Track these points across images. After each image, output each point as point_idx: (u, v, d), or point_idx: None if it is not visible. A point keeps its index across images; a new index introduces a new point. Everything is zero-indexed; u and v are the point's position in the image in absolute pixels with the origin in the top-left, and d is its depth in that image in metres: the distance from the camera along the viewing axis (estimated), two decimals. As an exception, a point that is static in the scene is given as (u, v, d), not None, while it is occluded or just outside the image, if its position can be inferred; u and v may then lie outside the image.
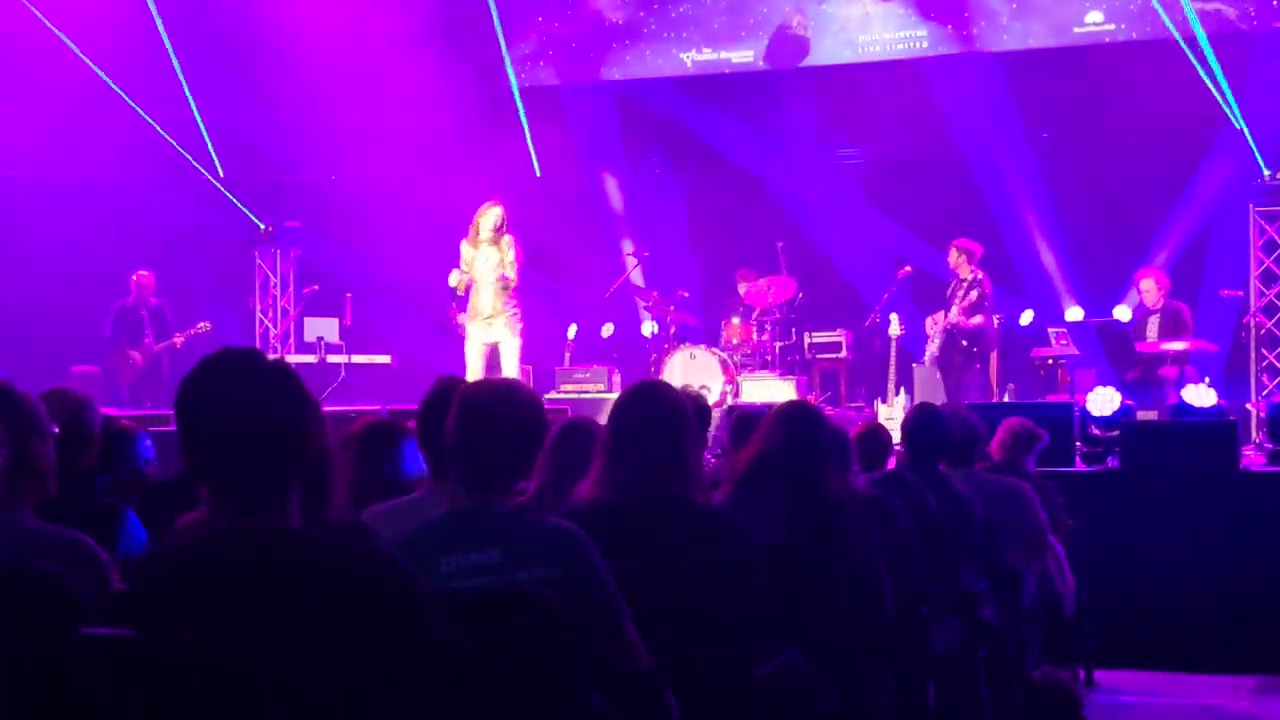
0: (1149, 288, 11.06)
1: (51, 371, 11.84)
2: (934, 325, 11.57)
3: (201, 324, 12.79)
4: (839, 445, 4.55)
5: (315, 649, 2.12)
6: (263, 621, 2.17)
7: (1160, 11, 12.36)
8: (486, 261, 10.33)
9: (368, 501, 3.83)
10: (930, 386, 11.32)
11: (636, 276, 13.12)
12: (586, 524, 3.12)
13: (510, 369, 10.33)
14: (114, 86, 13.82)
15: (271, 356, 2.38)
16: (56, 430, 3.27)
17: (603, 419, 3.89)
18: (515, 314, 10.41)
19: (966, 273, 11.45)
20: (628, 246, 13.75)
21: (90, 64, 13.64)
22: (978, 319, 11.29)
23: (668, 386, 3.76)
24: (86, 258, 13.63)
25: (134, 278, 12.99)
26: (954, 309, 11.36)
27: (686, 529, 3.46)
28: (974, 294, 11.31)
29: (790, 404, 4.47)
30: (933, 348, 11.52)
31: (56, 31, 13.45)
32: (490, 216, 10.38)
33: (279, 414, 2.26)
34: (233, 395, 2.24)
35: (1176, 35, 12.21)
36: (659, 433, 3.53)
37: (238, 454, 2.24)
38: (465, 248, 10.46)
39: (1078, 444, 8.48)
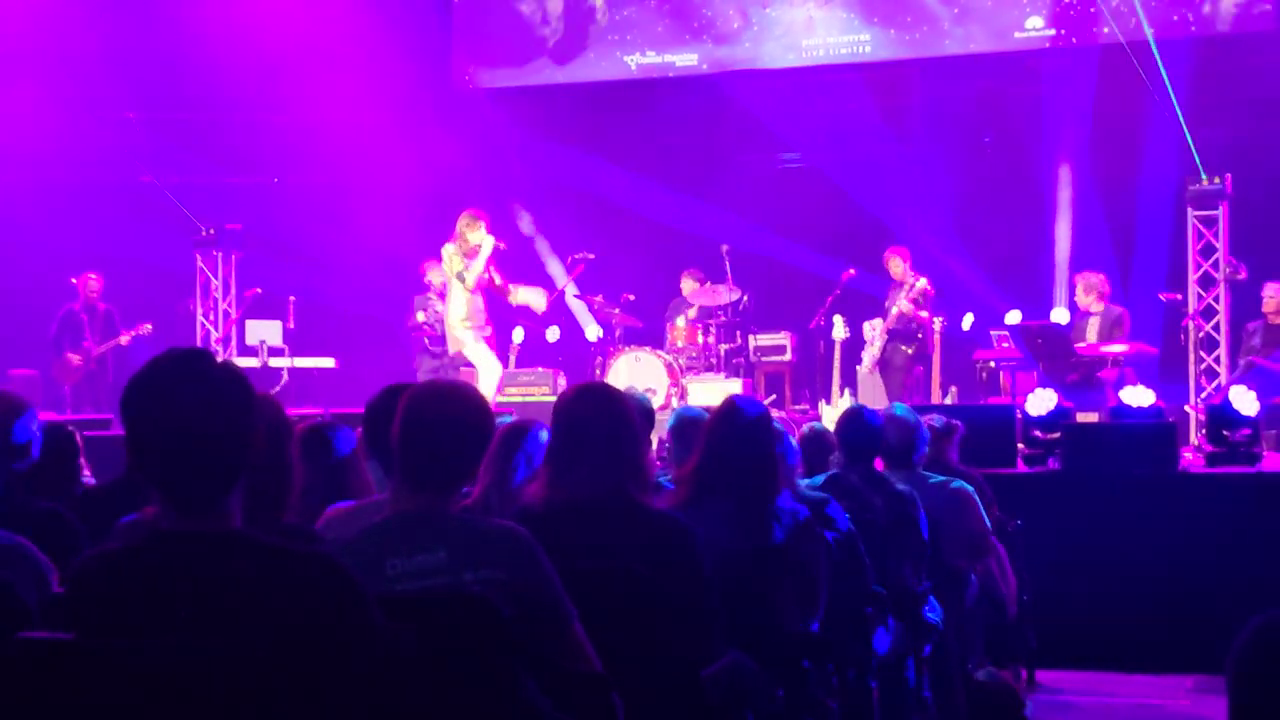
0: (1088, 291, 11.18)
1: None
2: (872, 330, 11.66)
3: (144, 326, 12.67)
4: (792, 448, 4.57)
5: (255, 651, 2.11)
6: (203, 624, 2.16)
7: (1109, 18, 12.51)
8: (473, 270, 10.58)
9: (310, 503, 3.81)
10: (873, 389, 11.41)
11: (581, 280, 13.10)
12: (535, 525, 3.11)
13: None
14: (57, 89, 13.67)
15: (221, 359, 2.36)
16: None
17: (548, 422, 3.89)
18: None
19: (909, 277, 11.59)
20: (572, 250, 13.73)
21: (29, 63, 13.49)
22: (925, 313, 11.41)
23: (608, 387, 3.77)
24: (24, 261, 13.47)
25: (80, 280, 12.85)
26: (904, 301, 11.44)
27: (635, 530, 3.46)
28: (923, 284, 11.42)
29: (735, 405, 4.33)
30: (873, 350, 11.61)
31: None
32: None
33: (222, 416, 2.25)
34: (177, 396, 2.23)
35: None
36: (602, 434, 3.53)
37: (180, 454, 2.23)
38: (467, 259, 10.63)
39: (1019, 446, 8.54)
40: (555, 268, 14.30)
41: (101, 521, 3.68)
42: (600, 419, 3.56)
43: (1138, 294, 12.15)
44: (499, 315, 11.58)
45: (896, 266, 11.82)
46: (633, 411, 3.65)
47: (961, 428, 6.66)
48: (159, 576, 2.21)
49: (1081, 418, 9.27)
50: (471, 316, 10.57)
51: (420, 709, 2.38)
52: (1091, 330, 11.03)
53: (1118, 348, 10.73)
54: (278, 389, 12.49)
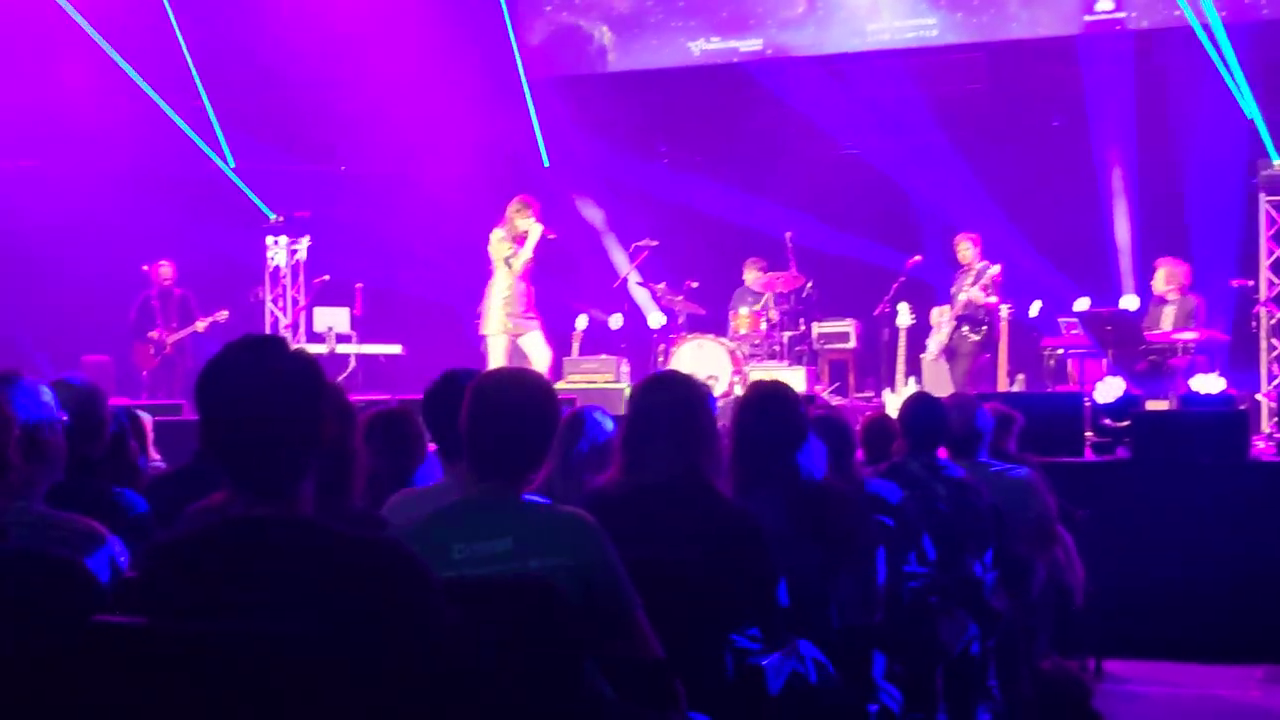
0: (1170, 279, 11.02)
1: (64, 361, 11.89)
2: (939, 316, 11.57)
3: (220, 312, 12.81)
4: (830, 430, 4.53)
5: (323, 636, 2.13)
6: (272, 609, 2.18)
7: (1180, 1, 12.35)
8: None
9: (377, 491, 3.85)
10: (938, 377, 11.33)
11: (645, 267, 13.10)
12: (606, 508, 3.13)
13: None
14: (130, 74, 13.84)
15: (294, 346, 2.39)
16: (66, 418, 3.29)
17: (611, 409, 3.92)
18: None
19: (979, 263, 11.48)
20: (635, 237, 13.73)
21: (103, 56, 13.67)
22: (994, 298, 11.30)
23: (683, 376, 3.77)
24: (98, 248, 13.65)
25: (152, 268, 13.02)
26: (974, 288, 11.31)
27: (703, 518, 3.47)
28: (994, 271, 11.29)
29: (757, 388, 4.28)
30: (940, 337, 11.52)
31: (75, 17, 13.47)
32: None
33: (295, 404, 2.27)
34: (250, 382, 2.25)
35: (1194, 23, 12.20)
36: (675, 421, 3.55)
37: (252, 440, 2.26)
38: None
39: (1088, 434, 8.46)
40: (618, 255, 14.30)
41: (171, 506, 3.73)
42: (673, 406, 3.58)
43: (1205, 280, 11.97)
44: (563, 303, 11.61)
45: (966, 251, 11.68)
46: (707, 400, 3.66)
47: (1021, 419, 6.59)
48: (230, 562, 2.23)
49: (1151, 406, 9.17)
50: (511, 302, 10.58)
51: (484, 694, 2.40)
52: (1166, 318, 10.89)
53: (1188, 335, 10.60)
54: (345, 375, 12.62)
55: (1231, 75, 12.00)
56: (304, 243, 13.73)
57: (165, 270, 13.00)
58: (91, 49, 13.66)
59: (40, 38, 13.59)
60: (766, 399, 4.16)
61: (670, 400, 3.60)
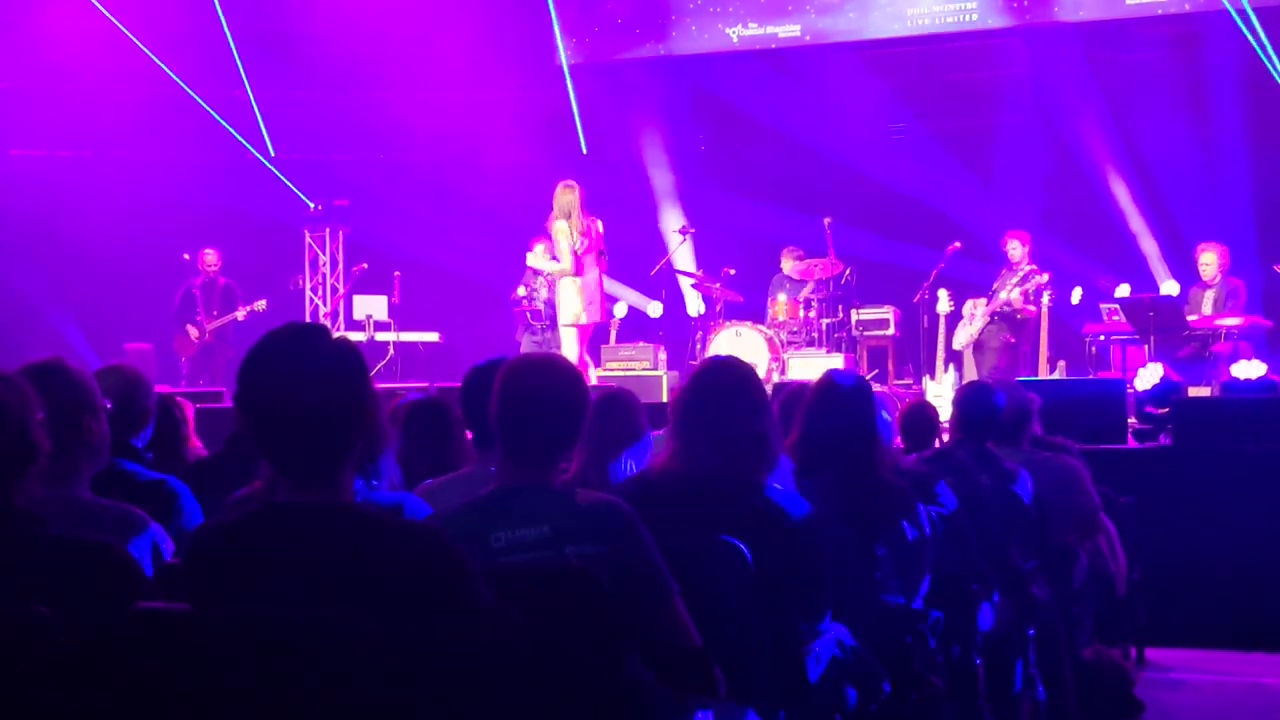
0: (1209, 261, 10.94)
1: (107, 348, 12.00)
2: (974, 308, 11.48)
3: (259, 301, 12.88)
4: (885, 421, 4.52)
5: (366, 621, 2.14)
6: (314, 594, 2.19)
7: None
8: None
9: (415, 477, 3.85)
10: (969, 367, 11.28)
11: (683, 254, 13.08)
12: (648, 493, 3.11)
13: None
14: (167, 69, 13.93)
15: (336, 334, 2.39)
16: (110, 406, 3.31)
17: (648, 396, 3.89)
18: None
19: (1027, 264, 11.39)
20: (673, 224, 13.70)
21: (144, 46, 13.76)
22: (1032, 307, 11.20)
23: (738, 363, 3.71)
24: (140, 237, 13.76)
25: (198, 256, 13.09)
26: (1015, 291, 11.20)
27: (746, 505, 3.44)
28: (1041, 280, 11.17)
29: (834, 380, 4.29)
30: (971, 330, 11.44)
31: (114, 21, 13.57)
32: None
33: (338, 391, 2.28)
34: (293, 370, 2.26)
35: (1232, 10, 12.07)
36: (726, 407, 3.51)
37: (294, 428, 2.26)
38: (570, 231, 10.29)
39: (1130, 421, 8.40)
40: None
41: (213, 493, 3.75)
42: (725, 393, 3.54)
43: (1246, 265, 11.87)
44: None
45: (1015, 250, 11.58)
46: (760, 388, 3.62)
47: (1037, 399, 6.52)
48: (273, 548, 2.25)
49: (1193, 392, 9.09)
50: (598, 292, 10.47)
51: (525, 681, 2.40)
52: (1207, 303, 10.81)
53: (1231, 320, 10.52)
54: (383, 363, 12.68)
55: (1269, 58, 11.88)
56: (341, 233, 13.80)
57: (210, 258, 13.05)
58: (132, 43, 13.74)
59: (83, 29, 13.68)
60: (835, 390, 4.17)
61: (722, 387, 3.56)
